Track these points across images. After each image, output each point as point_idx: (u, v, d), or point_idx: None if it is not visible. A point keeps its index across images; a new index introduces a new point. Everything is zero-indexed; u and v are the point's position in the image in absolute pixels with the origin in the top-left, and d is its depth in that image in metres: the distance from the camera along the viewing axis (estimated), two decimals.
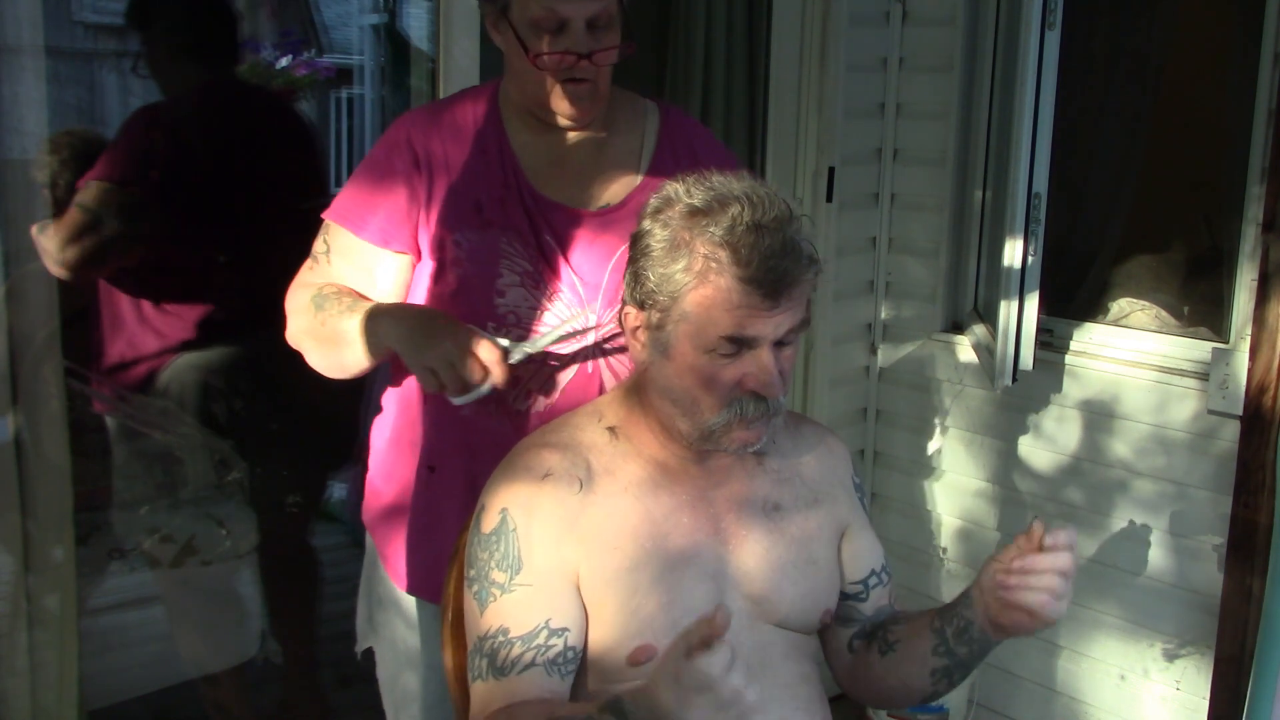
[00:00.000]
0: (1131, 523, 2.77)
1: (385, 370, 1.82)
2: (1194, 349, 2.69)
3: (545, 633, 1.41)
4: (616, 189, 1.75)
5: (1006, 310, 2.69)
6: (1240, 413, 2.51)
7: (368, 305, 1.70)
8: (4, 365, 1.81)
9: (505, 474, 1.49)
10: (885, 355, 3.27)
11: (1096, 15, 3.03)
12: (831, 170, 3.07)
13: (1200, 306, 2.86)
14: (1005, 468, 3.02)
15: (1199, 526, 2.64)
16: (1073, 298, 3.01)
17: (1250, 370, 2.48)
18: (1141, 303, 2.92)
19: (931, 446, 3.19)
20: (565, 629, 1.42)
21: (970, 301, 3.11)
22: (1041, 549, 1.39)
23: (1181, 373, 2.68)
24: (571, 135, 1.73)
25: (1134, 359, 2.78)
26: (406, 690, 1.87)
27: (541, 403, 1.69)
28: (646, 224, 1.44)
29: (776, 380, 1.41)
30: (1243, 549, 2.50)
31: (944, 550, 3.19)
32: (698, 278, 1.38)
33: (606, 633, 1.43)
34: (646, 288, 1.42)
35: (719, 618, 1.17)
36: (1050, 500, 2.93)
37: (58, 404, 1.92)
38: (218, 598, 3.00)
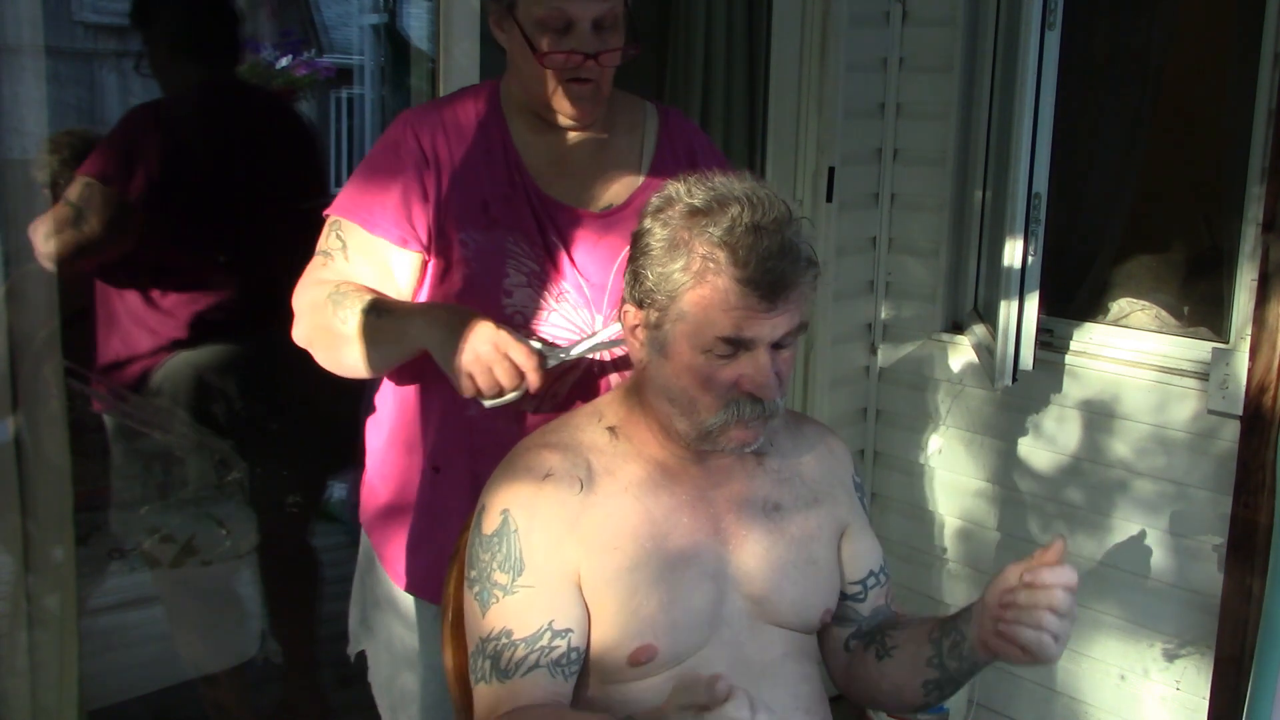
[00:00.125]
0: (1131, 523, 2.77)
1: None
2: (1194, 349, 2.69)
3: (548, 634, 1.41)
4: (619, 190, 1.75)
5: (1006, 310, 2.69)
6: (1240, 413, 2.51)
7: (396, 304, 1.68)
8: (4, 365, 1.81)
9: (506, 474, 1.49)
10: (885, 355, 3.27)
11: (1096, 15, 3.03)
12: (831, 170, 3.07)
13: (1200, 306, 2.86)
14: (1005, 468, 3.02)
15: (1199, 526, 2.64)
16: (1073, 298, 3.02)
17: (1250, 370, 2.48)
18: (1141, 303, 2.93)
19: (931, 446, 3.19)
20: (568, 630, 1.42)
21: (970, 301, 3.11)
22: (1042, 582, 1.36)
23: (1181, 373, 2.68)
24: (573, 135, 1.73)
25: (1134, 359, 2.78)
26: (405, 691, 1.86)
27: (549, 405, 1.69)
28: (647, 223, 1.44)
29: (773, 382, 1.41)
30: (1243, 549, 2.50)
31: (944, 550, 3.19)
32: (695, 278, 1.38)
33: (607, 633, 1.43)
34: (645, 286, 1.42)
35: (719, 690, 1.14)
36: (1050, 500, 2.93)
37: (58, 404, 1.92)
38: (217, 598, 3.00)
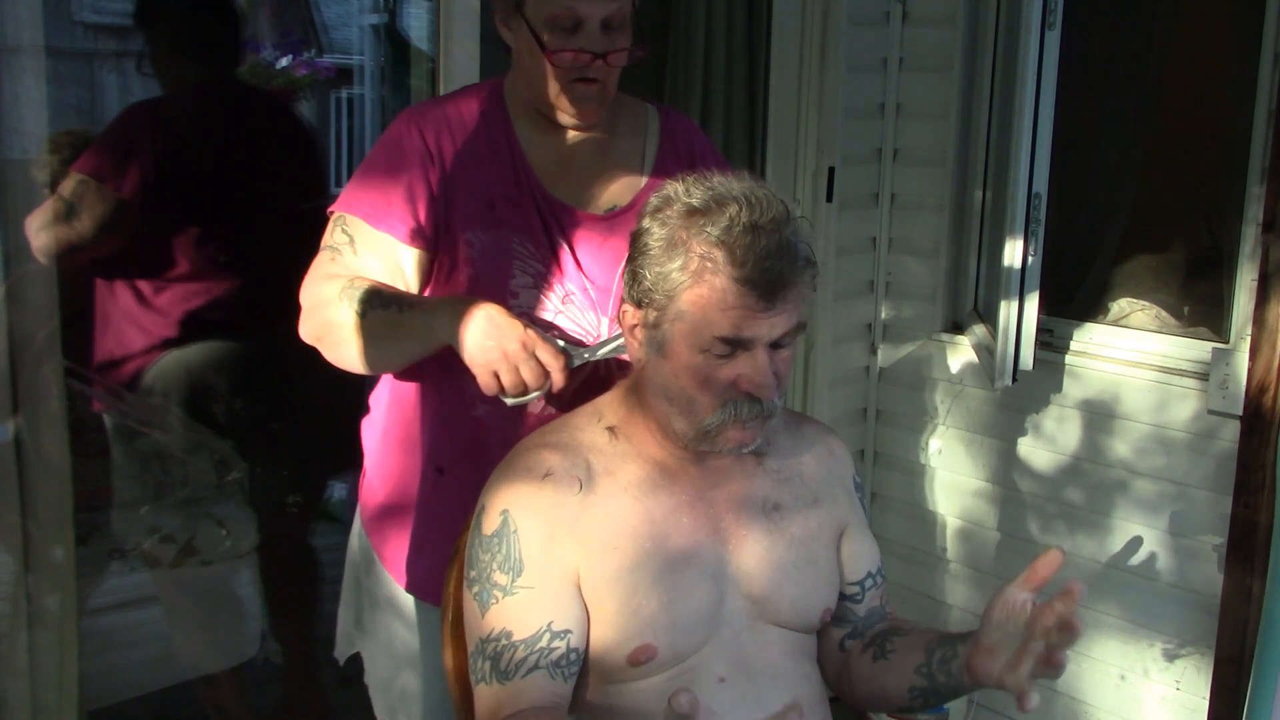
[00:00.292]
0: (1131, 523, 2.77)
1: None
2: (1194, 349, 2.69)
3: (548, 635, 1.41)
4: (622, 191, 1.74)
5: (1006, 310, 2.69)
6: (1240, 413, 2.51)
7: (416, 298, 1.66)
8: (4, 365, 1.81)
9: (505, 474, 1.49)
10: (885, 355, 3.27)
11: (1096, 15, 3.03)
12: (831, 170, 3.07)
13: (1200, 306, 2.86)
14: (1005, 468, 3.02)
15: (1199, 526, 2.64)
16: (1073, 298, 3.02)
17: (1250, 370, 2.48)
18: (1141, 303, 2.93)
19: (931, 446, 3.19)
20: (567, 631, 1.42)
21: (970, 301, 3.11)
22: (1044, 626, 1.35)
23: (1181, 373, 2.68)
24: (577, 136, 1.73)
25: (1134, 359, 2.78)
26: (405, 691, 1.86)
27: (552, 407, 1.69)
28: (646, 222, 1.44)
29: (771, 382, 1.41)
30: (1243, 549, 2.50)
31: (944, 550, 3.19)
32: (693, 277, 1.38)
33: (607, 633, 1.43)
34: (643, 286, 1.42)
35: (681, 702, 1.13)
36: (1050, 500, 2.93)
37: (58, 404, 1.91)
38: (217, 598, 3.00)
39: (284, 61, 6.44)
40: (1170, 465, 2.69)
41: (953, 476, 3.15)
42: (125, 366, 2.70)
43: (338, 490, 3.92)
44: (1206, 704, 2.61)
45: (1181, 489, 2.67)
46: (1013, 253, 2.66)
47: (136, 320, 2.69)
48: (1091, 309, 2.98)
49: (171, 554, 2.77)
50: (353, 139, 10.65)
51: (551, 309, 1.69)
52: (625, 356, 1.64)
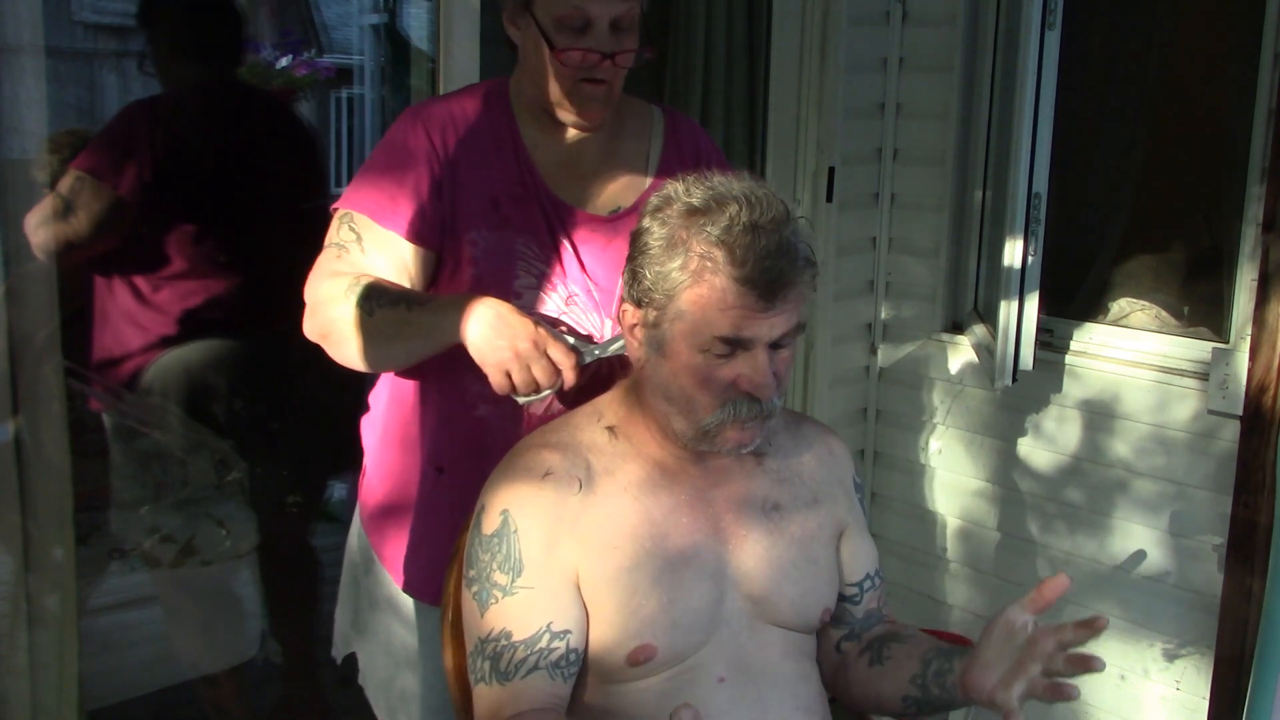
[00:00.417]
0: (1131, 523, 2.77)
1: None
2: (1194, 349, 2.69)
3: (547, 636, 1.41)
4: (626, 193, 1.74)
5: (1006, 310, 2.69)
6: (1240, 413, 2.51)
7: (426, 296, 1.66)
8: (4, 365, 1.81)
9: (506, 474, 1.49)
10: (885, 355, 3.27)
11: (1096, 15, 3.03)
12: (831, 170, 3.07)
13: (1200, 306, 2.86)
14: (1005, 468, 3.02)
15: (1199, 526, 2.64)
16: (1073, 298, 3.02)
17: (1250, 370, 2.48)
18: (1141, 303, 2.93)
19: (931, 446, 3.19)
20: (567, 631, 1.42)
21: (970, 301, 3.11)
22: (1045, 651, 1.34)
23: (1181, 373, 2.68)
24: (582, 137, 1.72)
25: (1134, 359, 2.78)
26: (404, 692, 1.86)
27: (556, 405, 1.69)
28: (646, 222, 1.44)
29: (770, 382, 1.41)
30: (1243, 549, 2.50)
31: (944, 550, 3.19)
32: (693, 277, 1.38)
33: (606, 632, 1.43)
34: (643, 285, 1.42)
35: (683, 717, 1.15)
36: (1050, 500, 2.93)
37: (58, 404, 1.91)
38: (217, 598, 3.00)
39: (284, 61, 6.43)
40: (1170, 465, 2.69)
41: (953, 476, 3.15)
42: (124, 365, 2.70)
43: (338, 490, 3.92)
44: (1206, 704, 2.62)
45: (1181, 489, 2.67)
46: (1013, 253, 2.66)
47: (135, 319, 2.69)
48: (1091, 309, 2.98)
49: (171, 554, 2.77)
50: (353, 139, 10.65)
51: (555, 310, 1.69)
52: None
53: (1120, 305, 2.95)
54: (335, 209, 1.72)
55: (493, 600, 1.43)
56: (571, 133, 1.71)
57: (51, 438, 1.90)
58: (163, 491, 2.76)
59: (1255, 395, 2.47)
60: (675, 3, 3.06)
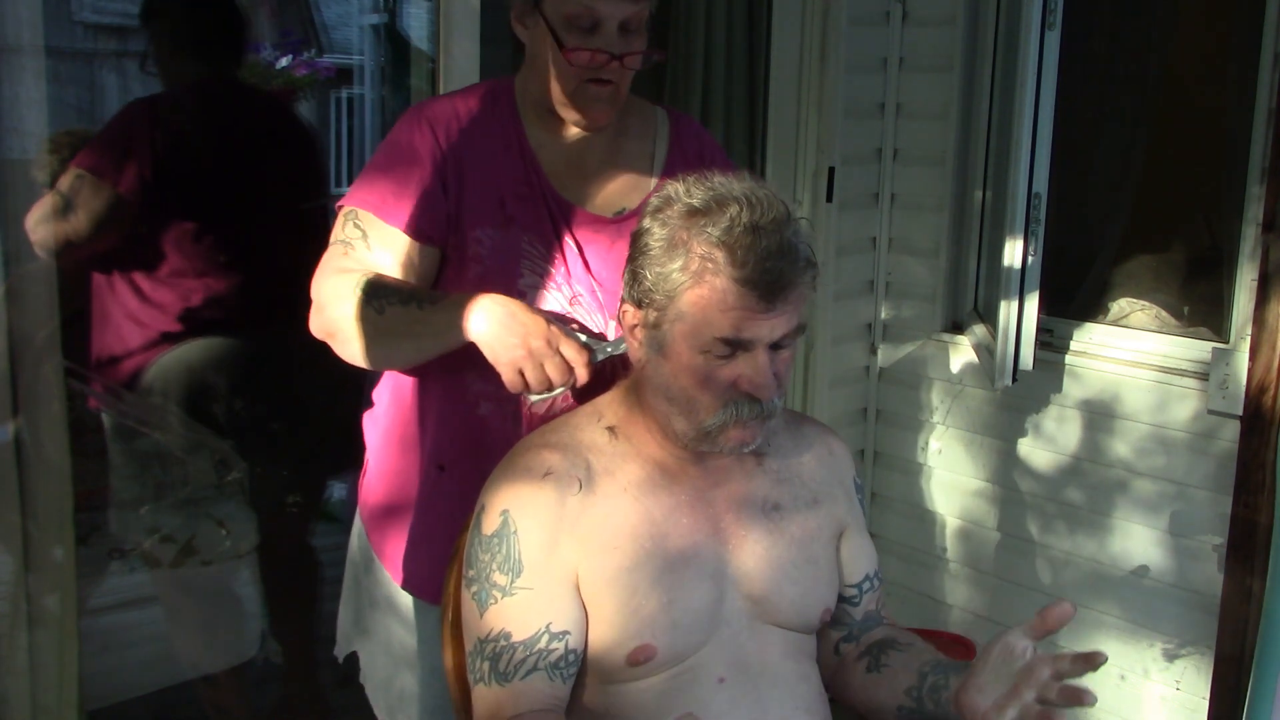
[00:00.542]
0: (1131, 523, 2.77)
1: None
2: (1194, 349, 2.69)
3: (546, 637, 1.41)
4: (631, 194, 1.74)
5: (1006, 310, 2.69)
6: (1240, 413, 2.51)
7: (437, 294, 1.65)
8: (4, 365, 1.81)
9: (506, 474, 1.49)
10: (885, 355, 3.27)
11: (1096, 15, 3.03)
12: (831, 170, 3.07)
13: (1200, 306, 2.86)
14: (1005, 468, 3.02)
15: (1199, 526, 2.64)
16: (1073, 298, 3.02)
17: (1250, 370, 2.48)
18: (1141, 303, 2.93)
19: (931, 446, 3.19)
20: (566, 632, 1.42)
21: (970, 301, 3.11)
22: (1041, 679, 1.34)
23: (1181, 373, 2.68)
24: (587, 137, 1.72)
25: (1134, 359, 2.78)
26: (403, 692, 1.86)
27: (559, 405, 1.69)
28: (646, 222, 1.44)
29: (771, 383, 1.41)
30: (1243, 549, 2.50)
31: (944, 550, 3.19)
32: (694, 278, 1.38)
33: (606, 633, 1.43)
34: (644, 286, 1.42)
35: None
36: (1050, 500, 2.93)
37: (58, 404, 1.91)
38: (217, 598, 3.00)
39: (284, 61, 6.43)
40: (1170, 465, 2.69)
41: (952, 476, 3.15)
42: (125, 364, 2.70)
43: (338, 490, 3.92)
44: (1206, 704, 2.62)
45: (1181, 489, 2.67)
46: (1013, 253, 2.66)
47: (136, 317, 2.69)
48: (1091, 309, 2.98)
49: (171, 554, 2.77)
50: (353, 139, 10.65)
51: (558, 310, 1.69)
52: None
53: (1120, 305, 2.95)
54: (340, 206, 1.72)
55: (492, 601, 1.43)
56: (577, 133, 1.71)
57: (51, 438, 1.90)
58: (163, 491, 2.76)
59: (1255, 395, 2.47)
60: (675, 3, 3.06)
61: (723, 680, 1.46)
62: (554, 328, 1.54)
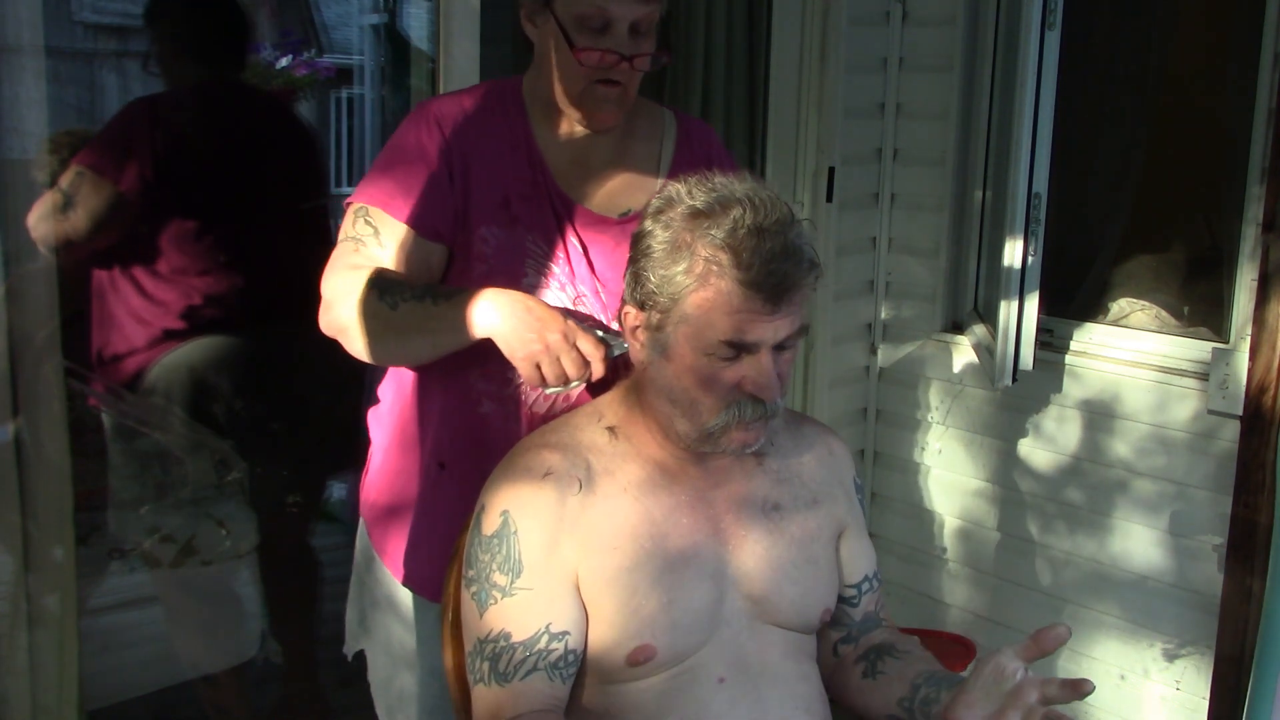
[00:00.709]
0: (1131, 523, 2.77)
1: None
2: (1194, 349, 2.69)
3: (546, 637, 1.41)
4: (637, 195, 1.74)
5: (1006, 310, 2.69)
6: (1240, 413, 2.51)
7: (451, 289, 1.65)
8: (4, 365, 1.81)
9: (506, 474, 1.49)
10: (885, 355, 3.27)
11: (1096, 15, 3.03)
12: (831, 170, 3.07)
13: (1200, 306, 2.86)
14: (1005, 467, 3.02)
15: (1199, 526, 2.64)
16: (1073, 298, 3.02)
17: (1250, 370, 2.48)
18: (1141, 303, 2.93)
19: (931, 446, 3.19)
20: (566, 632, 1.42)
21: (970, 301, 3.11)
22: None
23: (1181, 373, 2.68)
24: (594, 138, 1.72)
25: (1134, 359, 2.78)
26: (403, 692, 1.86)
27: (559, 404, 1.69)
28: (648, 224, 1.44)
29: (775, 384, 1.41)
30: (1243, 549, 2.50)
31: (944, 550, 3.19)
32: (698, 280, 1.38)
33: (606, 633, 1.43)
34: (647, 289, 1.42)
35: None
36: (1050, 500, 2.93)
37: (58, 404, 1.91)
38: (217, 598, 3.00)
39: (284, 61, 6.43)
40: (1170, 465, 2.69)
41: (952, 476, 3.15)
42: (128, 362, 2.70)
43: (338, 490, 3.92)
44: (1206, 704, 2.62)
45: (1181, 489, 2.67)
46: (1013, 253, 2.66)
47: (139, 314, 2.69)
48: (1091, 309, 2.98)
49: (171, 554, 2.77)
50: (353, 139, 10.65)
51: (563, 310, 1.68)
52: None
53: (1120, 305, 2.95)
54: (349, 203, 1.71)
55: (492, 601, 1.43)
56: (584, 133, 1.71)
57: (51, 438, 1.91)
58: (163, 491, 2.76)
59: (1255, 395, 2.47)
60: (675, 3, 3.06)
61: (722, 680, 1.46)
62: (570, 322, 1.54)
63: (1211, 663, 2.60)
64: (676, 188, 1.44)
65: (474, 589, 1.45)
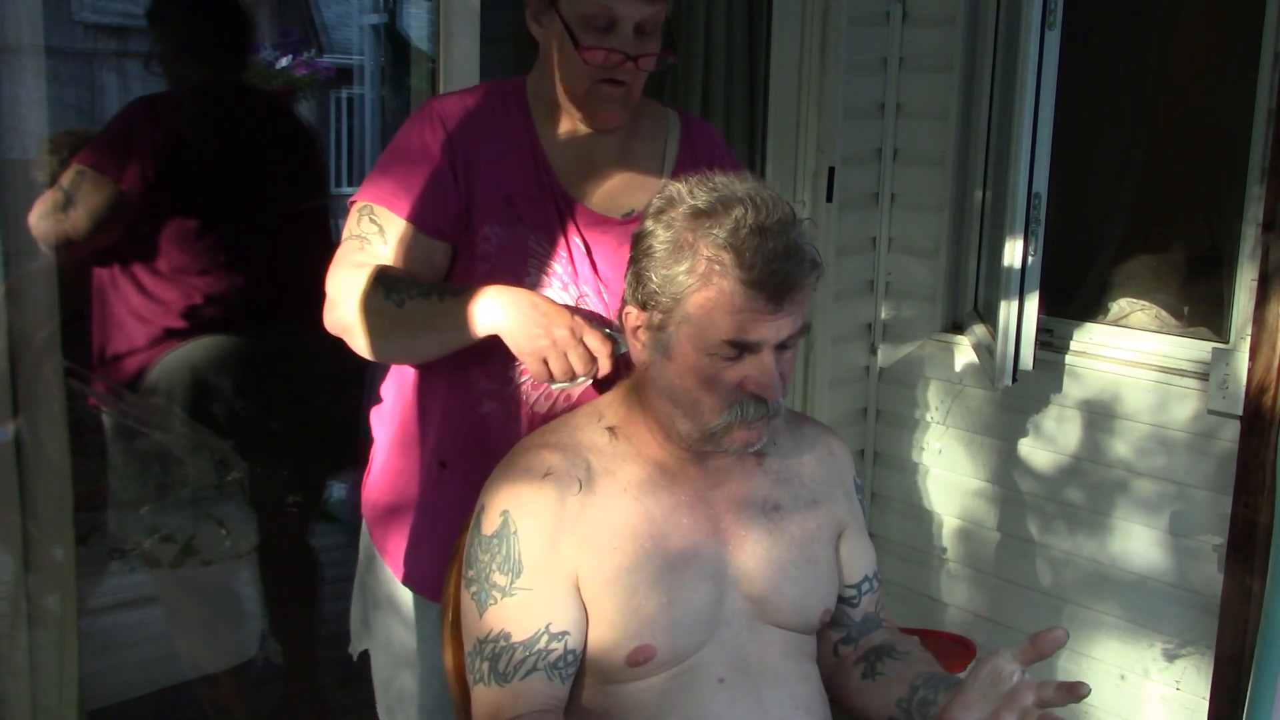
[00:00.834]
0: (1131, 523, 2.77)
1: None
2: (1194, 349, 2.69)
3: (545, 637, 1.41)
4: (640, 195, 1.74)
5: (1006, 310, 2.69)
6: (1240, 413, 2.51)
7: (457, 287, 1.65)
8: (4, 365, 1.81)
9: (506, 474, 1.49)
10: (885, 355, 3.27)
11: (1096, 15, 3.03)
12: (831, 170, 3.07)
13: (1200, 306, 2.86)
14: (1005, 468, 3.02)
15: (1199, 526, 2.64)
16: (1073, 298, 3.02)
17: (1250, 370, 2.48)
18: (1141, 303, 2.93)
19: (931, 446, 3.19)
20: (565, 632, 1.42)
21: (970, 301, 3.11)
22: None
23: (1181, 373, 2.68)
24: (598, 138, 1.72)
25: (1134, 359, 2.78)
26: (402, 692, 1.86)
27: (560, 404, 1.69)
28: (649, 224, 1.44)
29: (777, 384, 1.41)
30: (1243, 549, 2.50)
31: (944, 550, 3.19)
32: (701, 280, 1.38)
33: (606, 633, 1.43)
34: (649, 289, 1.42)
35: None
36: (1050, 500, 2.93)
37: (58, 404, 1.91)
38: (217, 598, 3.00)
39: (284, 61, 6.43)
40: (1170, 465, 2.69)
41: (952, 476, 3.15)
42: (129, 361, 2.71)
43: (338, 490, 3.93)
44: (1206, 704, 2.62)
45: (1181, 489, 2.67)
46: (1013, 253, 2.66)
47: (140, 313, 2.70)
48: (1091, 309, 2.98)
49: (171, 554, 2.77)
50: (353, 139, 10.66)
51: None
52: None
53: (1120, 305, 2.95)
54: (353, 201, 1.72)
55: (491, 601, 1.43)
56: (588, 133, 1.71)
57: (51, 438, 1.91)
58: (163, 491, 2.76)
59: (1255, 395, 2.47)
60: (675, 3, 3.06)
61: (722, 680, 1.46)
62: (578, 318, 1.55)
63: (1211, 663, 2.60)
64: (678, 187, 1.44)
65: (474, 589, 1.45)
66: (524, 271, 1.67)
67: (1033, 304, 2.69)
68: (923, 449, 3.21)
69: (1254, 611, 2.43)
